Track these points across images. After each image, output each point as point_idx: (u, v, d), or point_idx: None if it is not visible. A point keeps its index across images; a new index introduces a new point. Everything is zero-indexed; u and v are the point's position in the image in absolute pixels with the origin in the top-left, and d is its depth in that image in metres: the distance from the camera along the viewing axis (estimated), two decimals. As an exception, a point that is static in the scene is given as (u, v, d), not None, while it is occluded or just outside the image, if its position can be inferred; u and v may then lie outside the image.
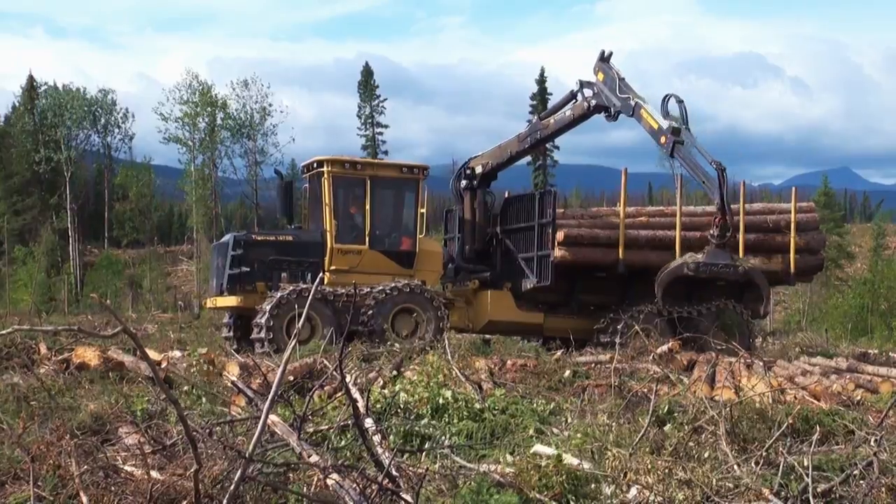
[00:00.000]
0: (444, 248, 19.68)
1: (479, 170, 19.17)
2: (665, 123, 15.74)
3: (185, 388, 9.80)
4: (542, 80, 74.50)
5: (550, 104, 20.68)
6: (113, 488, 5.65)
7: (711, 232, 15.02)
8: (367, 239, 17.67)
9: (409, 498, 5.36)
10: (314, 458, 5.75)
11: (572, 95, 17.99)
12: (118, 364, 11.97)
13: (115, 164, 72.59)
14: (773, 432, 7.17)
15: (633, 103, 16.47)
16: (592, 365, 13.70)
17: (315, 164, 18.04)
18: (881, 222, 65.80)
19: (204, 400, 9.03)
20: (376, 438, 6.66)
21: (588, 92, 17.57)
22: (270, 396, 5.09)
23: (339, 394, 8.70)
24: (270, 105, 59.00)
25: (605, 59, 17.27)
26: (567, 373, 12.09)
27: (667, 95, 16.41)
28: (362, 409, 7.34)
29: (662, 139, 15.89)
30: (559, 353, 15.29)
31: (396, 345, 13.70)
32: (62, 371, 11.81)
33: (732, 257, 15.21)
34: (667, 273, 13.95)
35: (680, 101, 16.20)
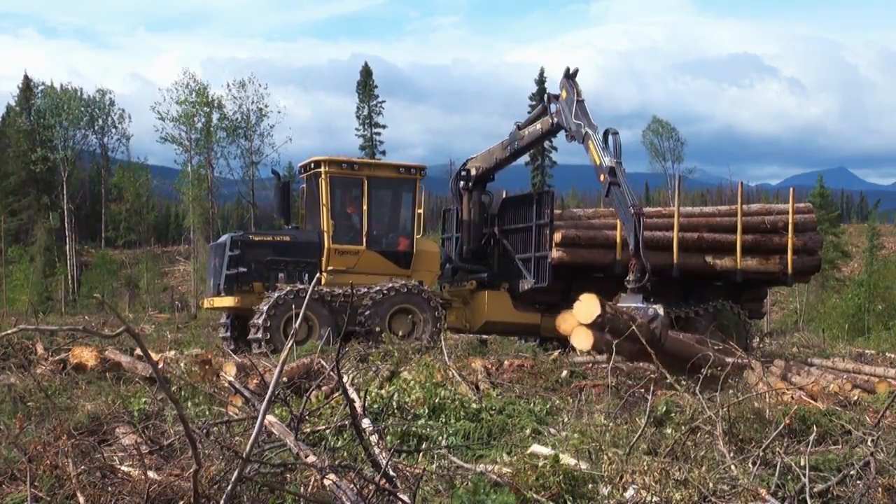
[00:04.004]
0: (441, 249, 19.67)
1: (473, 172, 19.17)
2: (606, 161, 15.51)
3: (176, 387, 9.76)
4: (541, 81, 74.52)
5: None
6: (110, 488, 5.65)
7: (628, 277, 14.90)
8: (364, 239, 17.65)
9: (406, 498, 5.36)
10: (311, 459, 5.75)
11: (544, 109, 17.63)
12: (115, 364, 11.97)
13: (112, 164, 72.60)
14: (770, 432, 7.17)
15: (583, 132, 16.06)
16: (589, 365, 13.69)
17: (312, 165, 18.03)
18: (875, 222, 65.70)
19: (191, 404, 9.00)
20: (373, 438, 6.66)
21: (553, 108, 17.14)
22: (268, 397, 5.09)
23: (337, 394, 8.70)
24: (266, 106, 59.01)
25: (569, 76, 16.76)
26: (564, 373, 12.08)
27: (607, 130, 16.09)
28: (359, 410, 7.34)
29: (601, 177, 15.64)
30: (556, 353, 15.29)
31: (391, 346, 13.66)
32: (59, 371, 11.81)
33: (644, 299, 14.90)
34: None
35: (615, 134, 15.89)
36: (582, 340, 11.28)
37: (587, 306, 11.20)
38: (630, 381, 11.12)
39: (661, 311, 13.75)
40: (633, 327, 11.09)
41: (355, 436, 6.24)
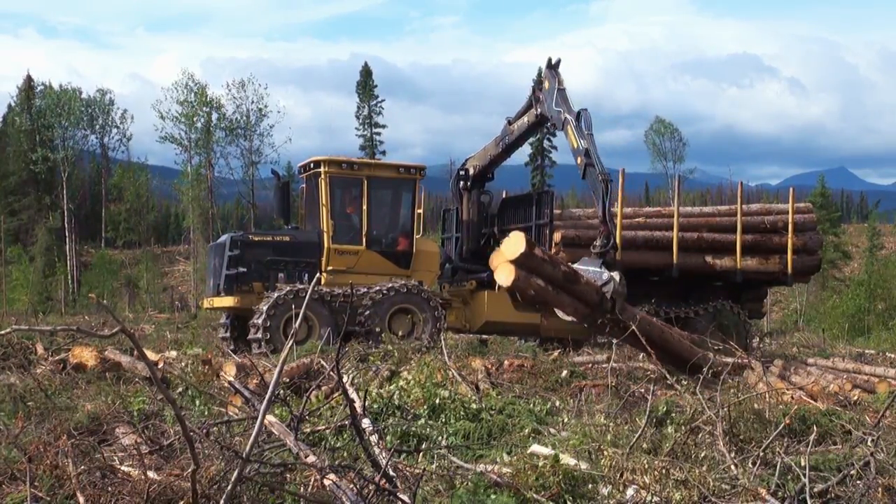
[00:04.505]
0: (441, 249, 19.65)
1: (471, 171, 19.19)
2: (582, 144, 15.65)
3: (181, 389, 9.77)
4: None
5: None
6: (110, 489, 5.65)
7: (595, 242, 14.94)
8: (363, 239, 17.64)
9: (406, 498, 5.36)
10: (311, 459, 5.75)
11: (531, 102, 17.70)
12: (115, 364, 11.97)
13: (112, 164, 72.65)
14: (770, 432, 7.17)
15: (563, 118, 16.22)
16: (589, 365, 13.70)
17: (312, 165, 18.02)
18: (875, 222, 65.71)
19: (198, 402, 9.00)
20: (373, 438, 6.66)
21: (538, 99, 17.30)
22: (267, 396, 5.09)
23: (336, 394, 8.70)
24: (266, 106, 59.04)
25: (551, 66, 16.96)
26: (564, 373, 12.08)
27: (580, 111, 16.15)
28: (359, 410, 7.34)
29: (578, 160, 15.81)
30: (556, 353, 15.30)
31: (391, 346, 13.65)
32: (59, 371, 11.79)
33: (604, 265, 14.80)
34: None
35: (584, 110, 16.01)
36: (504, 276, 11.35)
37: (514, 243, 11.26)
38: (630, 381, 11.12)
39: (617, 278, 13.63)
40: (582, 282, 11.05)
41: (355, 436, 6.24)
